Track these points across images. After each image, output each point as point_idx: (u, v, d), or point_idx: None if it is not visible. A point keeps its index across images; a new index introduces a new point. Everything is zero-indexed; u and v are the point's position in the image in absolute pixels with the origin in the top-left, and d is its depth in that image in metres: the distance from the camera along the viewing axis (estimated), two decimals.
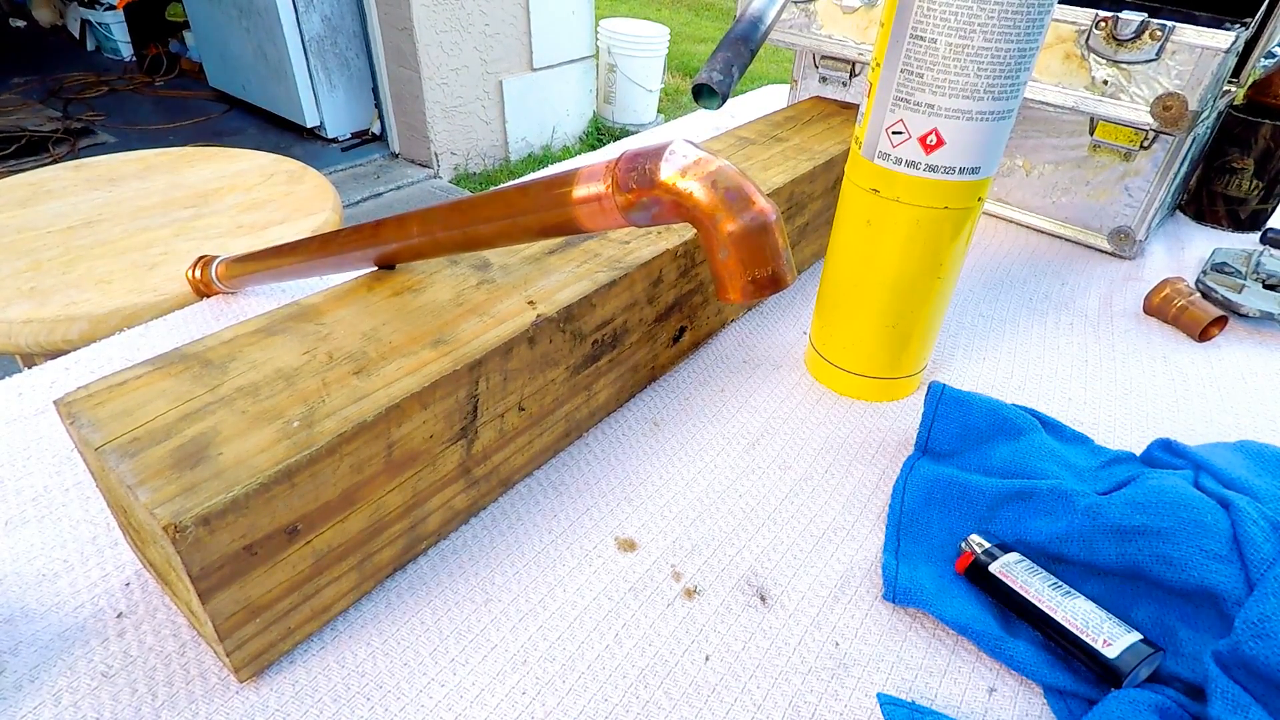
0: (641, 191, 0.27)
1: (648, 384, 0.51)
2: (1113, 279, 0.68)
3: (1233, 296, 0.61)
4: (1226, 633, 0.34)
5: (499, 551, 0.39)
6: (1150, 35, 0.56)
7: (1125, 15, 0.56)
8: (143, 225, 0.90)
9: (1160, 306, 0.61)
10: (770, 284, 0.27)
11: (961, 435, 0.44)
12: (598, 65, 3.26)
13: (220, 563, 0.28)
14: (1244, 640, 0.31)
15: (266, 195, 0.99)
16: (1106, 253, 0.72)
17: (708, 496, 0.43)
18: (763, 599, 0.37)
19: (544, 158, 3.08)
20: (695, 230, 0.35)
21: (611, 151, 0.84)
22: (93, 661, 0.32)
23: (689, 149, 0.27)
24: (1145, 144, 0.66)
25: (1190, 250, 0.73)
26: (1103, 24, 0.57)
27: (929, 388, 0.46)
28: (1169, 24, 0.55)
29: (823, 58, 0.76)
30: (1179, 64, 0.55)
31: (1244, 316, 0.61)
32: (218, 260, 0.54)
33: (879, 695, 0.33)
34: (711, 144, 0.62)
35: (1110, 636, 0.33)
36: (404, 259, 0.40)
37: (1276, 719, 0.30)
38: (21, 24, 3.95)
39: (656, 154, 0.27)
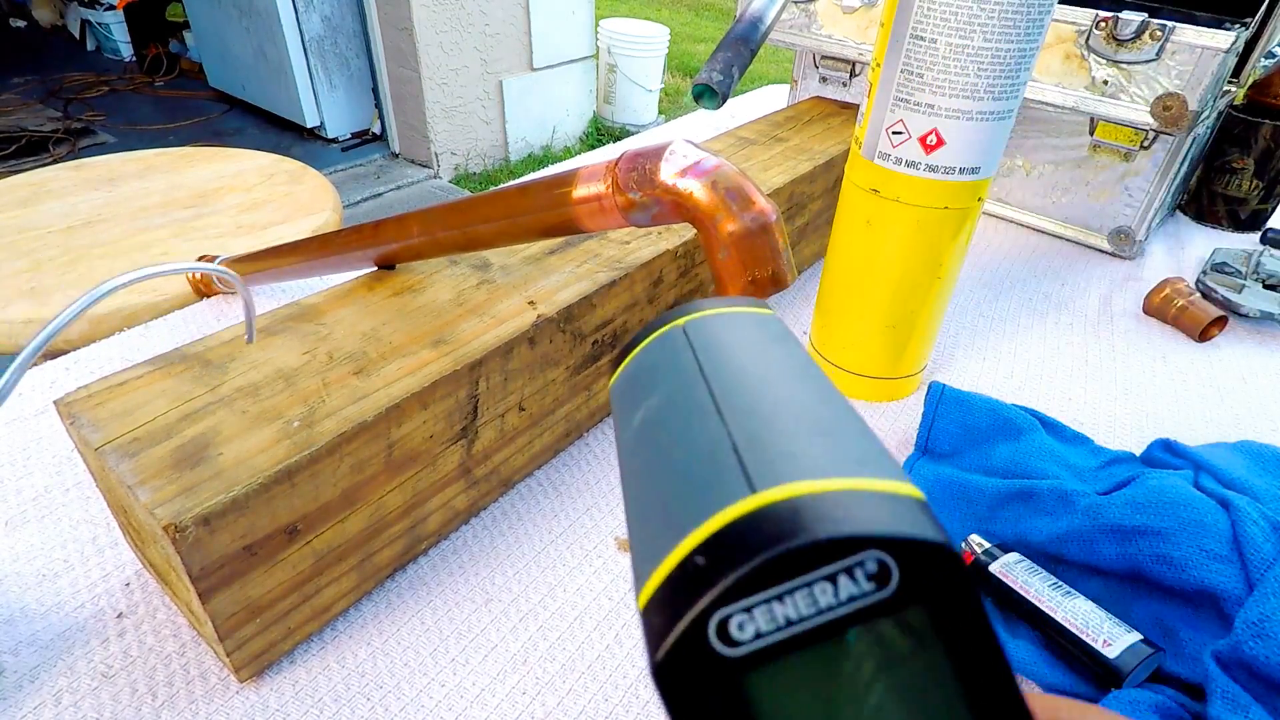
0: (642, 192, 0.27)
1: None
2: (1113, 279, 0.68)
3: (1233, 296, 0.61)
4: (1226, 633, 0.34)
5: (499, 551, 0.39)
6: (1150, 35, 0.56)
7: (1125, 15, 0.56)
8: (143, 225, 0.90)
9: (1160, 306, 0.61)
10: (770, 284, 0.27)
11: (961, 435, 0.44)
12: (598, 65, 3.26)
13: (220, 563, 0.28)
14: (1244, 640, 0.31)
15: (266, 195, 0.99)
16: (1106, 253, 0.72)
17: None
18: None
19: (544, 158, 3.08)
20: (695, 230, 0.35)
21: (611, 151, 0.84)
22: (93, 662, 0.32)
23: (689, 149, 0.27)
24: (1145, 144, 0.66)
25: (1190, 250, 0.73)
26: (1103, 24, 0.57)
27: (929, 388, 0.46)
28: (1169, 24, 0.55)
29: (823, 58, 0.76)
30: (1179, 64, 0.55)
31: (1244, 316, 0.61)
32: (218, 260, 0.54)
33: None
34: (711, 144, 0.62)
35: (1110, 636, 0.33)
36: (404, 259, 0.40)
37: (1277, 719, 0.30)
38: (21, 24, 3.95)
39: (656, 154, 0.27)
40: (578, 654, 0.34)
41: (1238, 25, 0.54)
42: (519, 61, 2.85)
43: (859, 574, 0.09)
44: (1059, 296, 0.65)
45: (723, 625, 0.10)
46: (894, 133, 0.41)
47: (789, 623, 0.09)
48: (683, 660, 0.10)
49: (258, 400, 0.31)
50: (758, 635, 0.09)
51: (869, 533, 0.09)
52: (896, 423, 0.49)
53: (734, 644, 0.10)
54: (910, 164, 0.41)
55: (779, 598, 0.09)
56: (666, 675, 0.10)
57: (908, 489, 0.10)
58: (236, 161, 1.08)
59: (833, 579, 0.09)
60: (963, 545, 0.38)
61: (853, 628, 0.10)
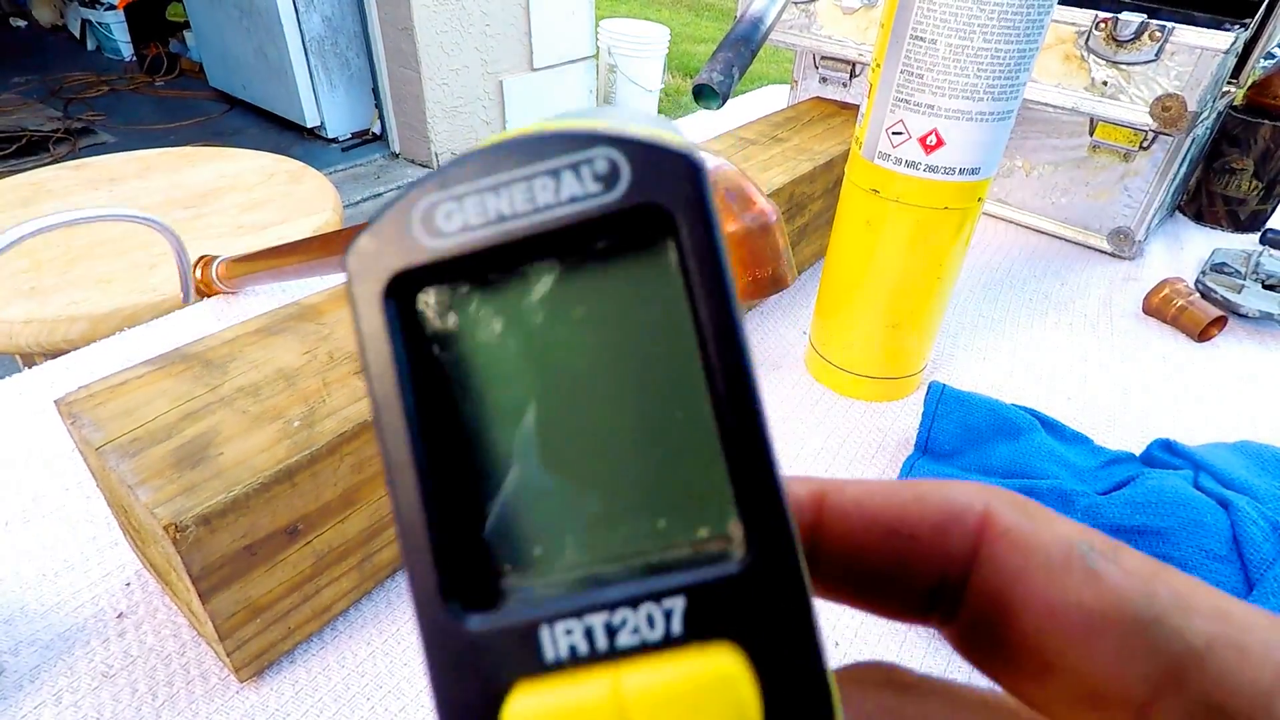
0: None
1: None
2: (1112, 279, 0.68)
3: (1232, 297, 0.61)
4: None
5: None
6: (1149, 36, 0.56)
7: (1125, 16, 0.56)
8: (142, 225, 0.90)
9: (1160, 306, 0.61)
10: (771, 284, 0.27)
11: (961, 435, 0.44)
12: (598, 65, 3.26)
13: (220, 563, 0.28)
14: None
15: (267, 195, 0.99)
16: (1106, 253, 0.72)
17: None
18: None
19: None
20: None
21: None
22: (93, 661, 0.32)
23: None
24: (1145, 144, 0.66)
25: (1190, 250, 0.73)
26: (1102, 25, 0.57)
27: (929, 387, 0.46)
28: (1168, 25, 0.55)
29: (823, 58, 0.76)
30: (1178, 65, 0.55)
31: (1243, 316, 0.61)
32: (218, 260, 0.54)
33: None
34: (711, 144, 0.62)
35: None
36: None
37: None
38: (22, 24, 3.95)
39: None
40: None
41: (1237, 26, 0.54)
42: (519, 61, 2.85)
43: (585, 172, 0.08)
44: (1059, 296, 0.65)
45: (429, 216, 0.09)
46: (894, 133, 0.41)
47: (501, 218, 0.09)
48: (379, 253, 0.09)
49: (258, 400, 0.31)
50: (465, 228, 0.09)
51: (600, 132, 0.08)
52: (896, 423, 0.49)
53: (439, 234, 0.09)
54: (910, 164, 0.41)
55: (493, 189, 0.09)
56: (358, 266, 0.09)
57: (675, 138, 0.09)
58: (236, 161, 1.08)
59: (555, 174, 0.08)
60: None
61: (570, 260, 0.09)
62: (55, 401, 0.31)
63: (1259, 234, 0.74)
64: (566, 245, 0.09)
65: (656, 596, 0.09)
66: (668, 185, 0.08)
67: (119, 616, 0.34)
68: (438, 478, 0.09)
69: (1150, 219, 0.69)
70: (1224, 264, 0.66)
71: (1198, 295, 0.62)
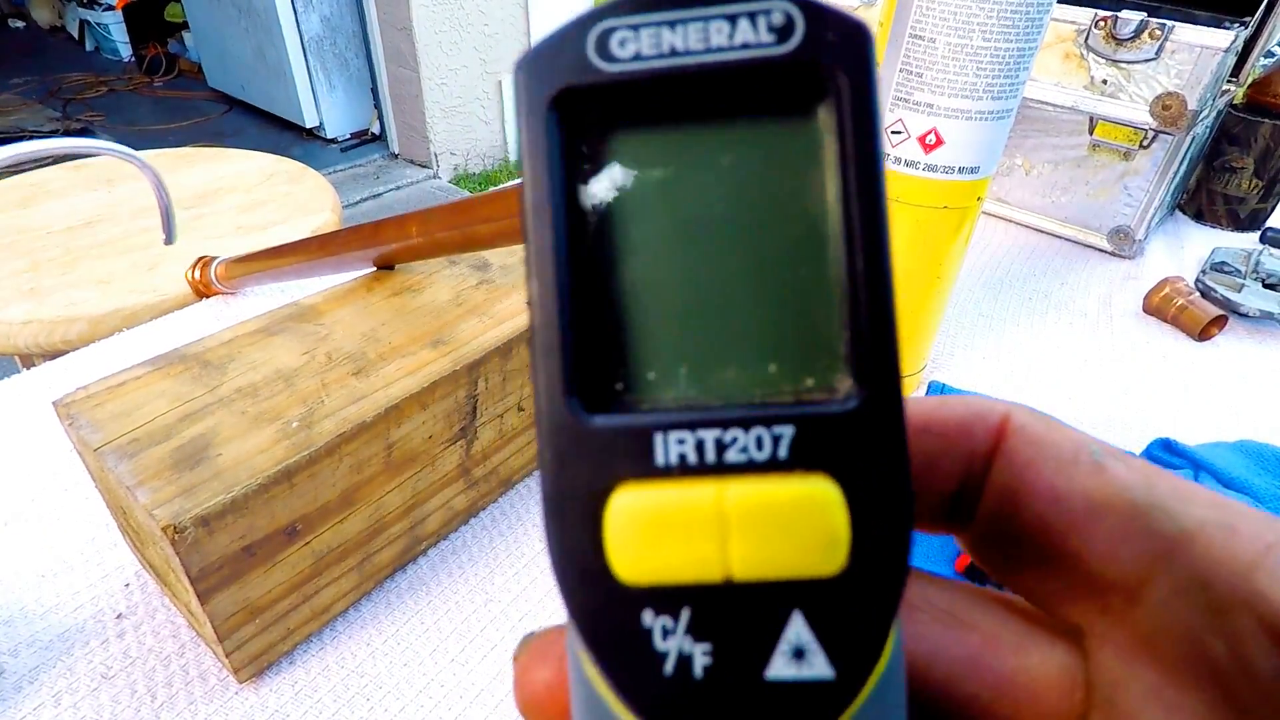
0: None
1: None
2: (1112, 278, 0.68)
3: (1232, 296, 0.61)
4: None
5: (499, 551, 0.39)
6: (1149, 34, 0.56)
7: (1124, 14, 0.56)
8: (142, 225, 0.90)
9: (1160, 306, 0.61)
10: None
11: None
12: None
13: (219, 563, 0.28)
14: None
15: (266, 196, 0.99)
16: (1106, 252, 0.72)
17: None
18: None
19: None
20: None
21: None
22: (92, 662, 0.32)
23: None
24: (1145, 143, 0.66)
25: (1190, 249, 0.73)
26: (1102, 23, 0.57)
27: (928, 387, 0.46)
28: (1168, 23, 0.55)
29: None
30: (1178, 63, 0.55)
31: (1244, 316, 0.61)
32: (217, 261, 0.54)
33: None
34: None
35: None
36: (403, 259, 0.40)
37: None
38: (21, 24, 3.95)
39: None
40: None
41: (1237, 24, 0.54)
42: None
43: (761, 21, 0.09)
44: (1059, 296, 0.65)
45: (604, 41, 0.09)
46: (893, 132, 0.41)
47: (673, 53, 0.09)
48: (550, 66, 0.09)
49: (257, 401, 0.31)
50: (636, 57, 0.09)
51: None
52: None
53: (611, 59, 0.09)
54: (909, 163, 0.41)
55: (670, 25, 0.09)
56: (528, 76, 0.09)
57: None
58: (236, 162, 1.08)
59: (732, 19, 0.09)
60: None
61: (728, 107, 0.09)
62: (53, 403, 0.31)
63: (1259, 233, 0.74)
64: (730, 90, 0.09)
65: (768, 422, 0.09)
66: (838, 47, 0.09)
67: (118, 617, 0.34)
68: (574, 286, 0.09)
69: (1150, 218, 0.69)
70: (1224, 263, 0.66)
71: (1198, 294, 0.61)
